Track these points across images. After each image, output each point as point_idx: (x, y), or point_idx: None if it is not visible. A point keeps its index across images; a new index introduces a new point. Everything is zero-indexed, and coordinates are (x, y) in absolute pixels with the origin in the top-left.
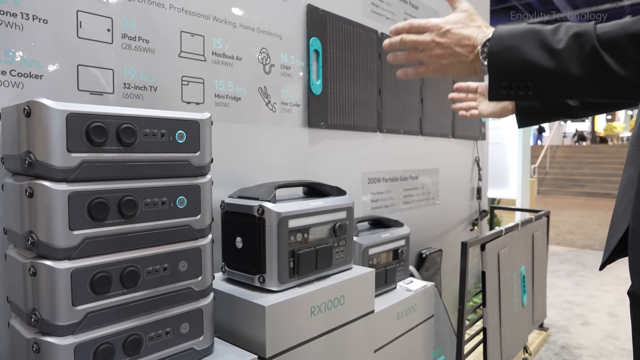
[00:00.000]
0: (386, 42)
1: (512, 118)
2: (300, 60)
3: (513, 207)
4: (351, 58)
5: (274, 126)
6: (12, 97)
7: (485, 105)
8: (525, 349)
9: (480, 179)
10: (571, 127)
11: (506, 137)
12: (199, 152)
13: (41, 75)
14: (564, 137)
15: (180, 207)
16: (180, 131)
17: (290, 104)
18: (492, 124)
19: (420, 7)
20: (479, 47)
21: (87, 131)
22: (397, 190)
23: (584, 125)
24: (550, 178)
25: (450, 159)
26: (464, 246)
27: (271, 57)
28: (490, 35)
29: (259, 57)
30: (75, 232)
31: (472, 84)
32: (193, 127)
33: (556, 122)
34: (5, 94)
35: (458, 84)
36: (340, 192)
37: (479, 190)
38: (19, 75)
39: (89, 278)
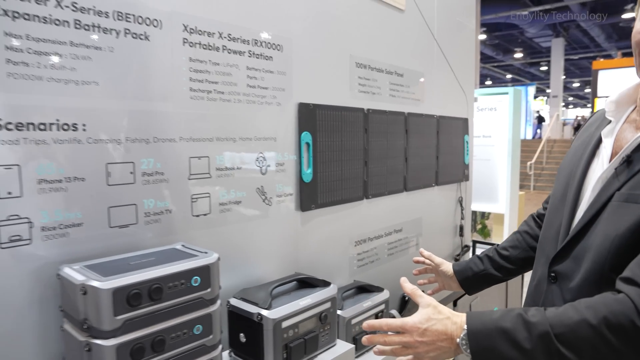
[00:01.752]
0: (366, 339)
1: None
2: (293, 154)
3: (493, 243)
4: (339, 140)
5: (270, 217)
6: (58, 247)
7: (443, 284)
8: None
9: (462, 218)
10: (572, 113)
11: (496, 154)
12: (209, 289)
13: (81, 223)
14: (564, 125)
15: (197, 333)
16: (195, 277)
17: (284, 195)
18: (483, 141)
19: (406, 73)
20: (458, 341)
21: (128, 298)
22: (381, 246)
23: (585, 112)
24: (547, 174)
25: (433, 205)
26: None
27: (267, 159)
28: (465, 330)
29: (256, 162)
30: None
31: (434, 259)
32: (205, 271)
33: (555, 113)
34: (53, 246)
35: (417, 259)
36: (325, 283)
37: (461, 228)
38: (64, 227)
39: None
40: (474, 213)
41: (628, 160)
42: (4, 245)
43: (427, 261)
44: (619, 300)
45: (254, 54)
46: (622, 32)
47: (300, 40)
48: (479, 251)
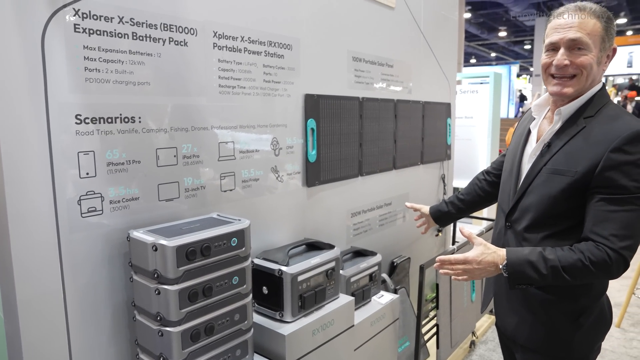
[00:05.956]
0: (441, 270)
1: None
2: (300, 138)
3: (476, 216)
4: (338, 125)
5: (282, 192)
6: (122, 217)
7: (427, 222)
8: (473, 333)
9: (445, 193)
10: None
11: (477, 134)
12: (244, 248)
13: (138, 197)
14: None
15: (234, 283)
16: (234, 238)
17: (293, 173)
18: (464, 122)
19: (395, 64)
20: (501, 267)
21: (186, 254)
22: (374, 217)
23: None
24: None
25: (419, 181)
26: (422, 268)
27: (279, 143)
28: (506, 261)
29: (271, 146)
30: (182, 310)
31: (416, 206)
32: (240, 234)
33: (537, 92)
34: (118, 215)
35: (410, 205)
36: (330, 246)
37: None
38: (125, 200)
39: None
40: (456, 189)
41: (548, 145)
42: (84, 215)
43: (417, 206)
44: (597, 247)
45: (269, 53)
46: None
47: (307, 39)
48: (459, 224)
